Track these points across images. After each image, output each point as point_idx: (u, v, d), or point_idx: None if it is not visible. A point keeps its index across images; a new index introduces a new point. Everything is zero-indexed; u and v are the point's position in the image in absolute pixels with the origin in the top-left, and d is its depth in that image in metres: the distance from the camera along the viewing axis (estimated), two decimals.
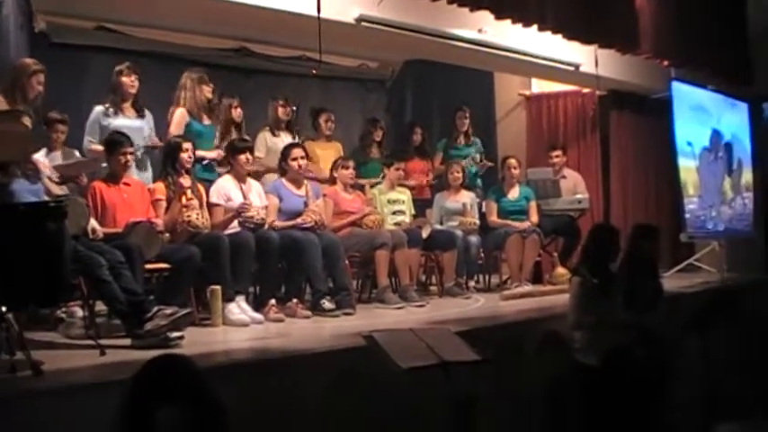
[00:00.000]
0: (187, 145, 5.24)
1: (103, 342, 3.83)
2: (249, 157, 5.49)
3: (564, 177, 7.62)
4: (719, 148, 8.93)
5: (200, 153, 5.54)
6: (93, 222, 4.52)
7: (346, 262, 5.65)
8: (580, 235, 6.97)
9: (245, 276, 5.07)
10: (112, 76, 5.41)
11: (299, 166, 5.68)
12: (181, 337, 3.98)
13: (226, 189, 5.38)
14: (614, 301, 4.48)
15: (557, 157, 7.68)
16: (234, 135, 5.99)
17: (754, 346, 6.57)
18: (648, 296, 4.80)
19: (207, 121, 5.82)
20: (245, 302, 5.03)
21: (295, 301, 5.27)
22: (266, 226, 5.35)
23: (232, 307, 4.87)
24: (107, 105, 5.36)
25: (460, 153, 7.54)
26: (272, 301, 5.15)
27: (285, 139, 6.27)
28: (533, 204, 7.11)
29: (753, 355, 6.60)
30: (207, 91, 5.76)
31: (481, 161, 7.55)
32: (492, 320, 5.19)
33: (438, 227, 6.75)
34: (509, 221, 6.89)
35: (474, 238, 6.67)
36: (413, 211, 6.70)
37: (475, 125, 7.79)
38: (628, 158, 9.08)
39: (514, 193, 7.12)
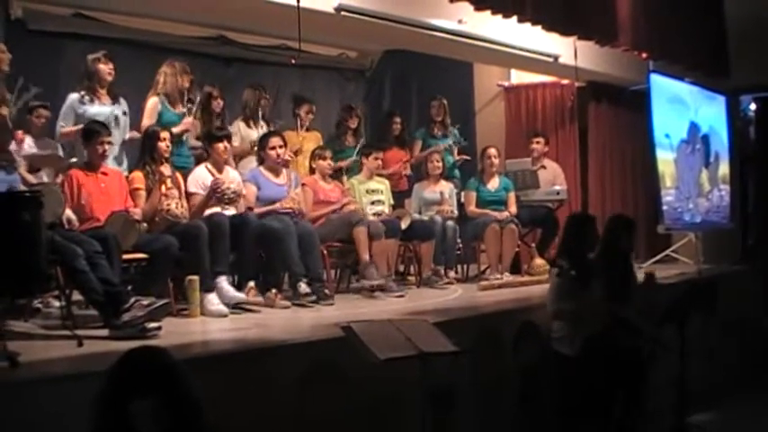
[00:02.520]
0: (165, 134, 5.21)
1: (80, 333, 3.80)
2: (227, 145, 5.48)
3: (543, 168, 7.67)
4: (697, 140, 8.96)
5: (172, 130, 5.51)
6: (68, 212, 4.49)
7: (324, 252, 5.65)
8: (558, 226, 6.93)
9: (224, 256, 5.01)
10: (88, 64, 5.34)
11: (278, 155, 5.69)
12: (158, 328, 3.97)
13: (203, 178, 5.34)
14: (592, 291, 4.47)
15: (537, 143, 7.71)
16: (214, 125, 5.99)
17: (728, 336, 6.68)
18: (625, 287, 4.84)
19: (180, 109, 5.75)
20: (227, 283, 4.98)
21: (274, 291, 5.25)
22: (242, 204, 5.38)
23: (211, 297, 4.84)
24: (83, 93, 5.31)
25: (438, 143, 7.52)
26: (251, 283, 5.15)
27: (261, 129, 6.26)
28: (512, 195, 7.13)
29: (727, 344, 6.70)
30: (186, 80, 5.74)
31: (458, 153, 7.60)
32: (470, 311, 5.19)
33: (416, 216, 6.75)
34: (487, 211, 6.88)
35: (452, 224, 6.66)
36: (392, 201, 6.70)
37: (453, 115, 7.79)
38: (606, 150, 9.10)
39: (494, 184, 7.12)
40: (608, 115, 9.15)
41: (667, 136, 8.41)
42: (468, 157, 7.71)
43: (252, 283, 5.17)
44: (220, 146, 5.40)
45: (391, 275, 6.17)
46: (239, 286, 5.17)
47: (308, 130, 6.86)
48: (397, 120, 7.48)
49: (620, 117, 9.17)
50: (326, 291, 5.41)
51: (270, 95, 6.61)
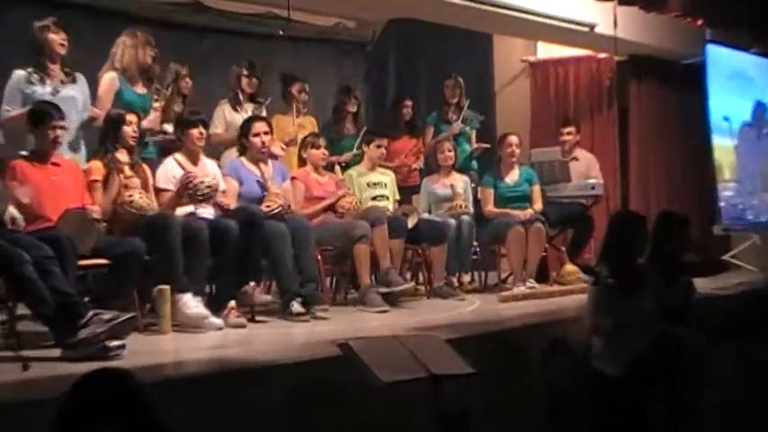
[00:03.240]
0: (131, 117, 5.20)
1: (27, 354, 3.76)
2: (202, 131, 5.45)
3: (575, 159, 7.64)
4: (764, 123, 8.97)
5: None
6: (11, 210, 4.37)
7: (318, 257, 5.73)
8: (592, 226, 7.16)
9: (199, 273, 5.03)
10: (35, 33, 5.23)
11: (263, 144, 5.72)
12: (122, 347, 3.95)
13: (175, 171, 5.32)
14: (638, 302, 4.45)
15: (569, 134, 7.68)
16: (180, 108, 6.07)
17: None
18: (678, 298, 4.86)
19: (141, 90, 5.79)
20: (202, 306, 4.99)
21: (252, 284, 5.28)
22: (219, 196, 5.39)
23: (186, 299, 4.84)
24: (30, 70, 5.19)
25: (450, 128, 7.55)
26: (232, 303, 5.13)
27: (249, 113, 6.32)
28: (536, 189, 7.14)
29: None
30: (150, 54, 5.75)
31: (476, 141, 7.68)
32: (489, 326, 5.21)
33: (426, 216, 6.81)
34: (508, 210, 6.92)
35: (467, 223, 6.68)
36: (397, 196, 6.78)
37: (469, 97, 7.79)
38: (650, 136, 9.10)
39: (513, 177, 7.14)
40: (653, 95, 9.15)
41: (726, 119, 8.48)
42: (487, 145, 7.70)
43: (232, 303, 5.13)
44: (194, 133, 5.38)
45: (395, 268, 6.13)
46: (218, 303, 5.11)
47: (301, 114, 6.91)
48: (408, 103, 7.57)
49: (669, 97, 9.19)
50: (320, 295, 5.54)
51: (258, 75, 6.68)
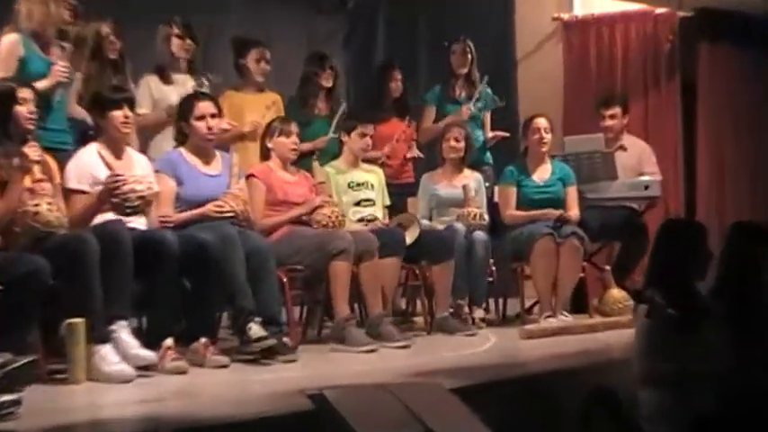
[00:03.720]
0: (26, 93, 5.07)
1: None
2: (128, 113, 5.38)
3: (623, 149, 7.70)
4: None
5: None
6: None
7: (284, 280, 5.78)
8: (647, 238, 6.99)
9: (123, 290, 4.97)
10: None
11: (209, 129, 5.68)
12: (16, 403, 3.85)
13: (92, 167, 5.27)
14: (705, 341, 4.37)
15: (612, 117, 7.72)
16: (108, 81, 6.04)
17: None
18: (762, 334, 4.81)
19: (54, 56, 5.73)
20: (128, 334, 4.97)
21: (203, 340, 5.23)
22: (152, 209, 5.41)
23: (105, 352, 4.79)
24: None
25: (458, 108, 7.63)
26: (169, 341, 5.08)
27: (185, 87, 6.40)
28: (572, 190, 7.18)
29: None
30: (65, 10, 5.76)
31: (492, 126, 7.84)
32: (508, 370, 5.25)
33: (426, 224, 6.85)
34: (535, 213, 6.94)
35: (482, 236, 6.77)
36: (387, 201, 6.87)
37: (484, 68, 7.86)
38: (726, 119, 9.13)
39: (544, 173, 7.20)
40: (730, 63, 9.16)
41: None
42: (506, 134, 7.83)
43: (170, 341, 5.10)
44: (118, 116, 5.31)
45: (388, 315, 6.32)
46: (151, 341, 5.11)
47: (260, 89, 7.02)
48: (397, 75, 7.62)
49: (751, 66, 9.18)
50: (287, 340, 5.46)
51: (199, 37, 6.74)
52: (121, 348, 4.92)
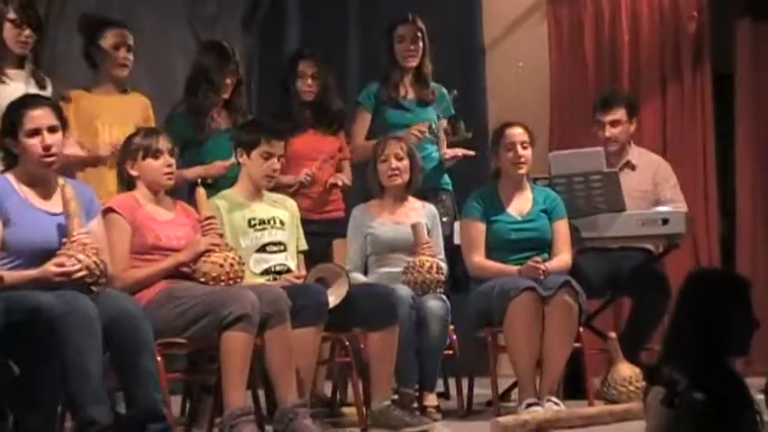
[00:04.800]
0: None
1: None
2: None
3: (630, 167, 7.59)
4: None
5: None
6: None
7: (159, 358, 5.49)
8: (668, 293, 7.00)
9: None
10: None
11: (46, 149, 5.42)
12: None
13: None
14: None
15: (614, 124, 7.57)
16: None
17: None
18: None
19: None
20: None
21: None
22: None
23: None
24: None
25: (406, 117, 7.50)
26: None
27: (15, 87, 6.24)
28: (561, 225, 7.03)
29: None
30: None
31: (454, 132, 7.59)
32: None
33: (359, 278, 6.71)
34: (509, 267, 6.82)
35: (436, 303, 6.62)
36: (304, 245, 6.63)
37: (443, 59, 7.86)
38: None
39: (523, 203, 7.03)
40: None
41: None
42: (470, 152, 7.63)
43: None
44: None
45: (306, 406, 6.01)
46: None
47: (121, 89, 6.84)
48: (309, 69, 7.42)
49: None
50: None
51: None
52: None
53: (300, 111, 7.37)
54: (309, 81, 7.38)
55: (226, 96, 7.10)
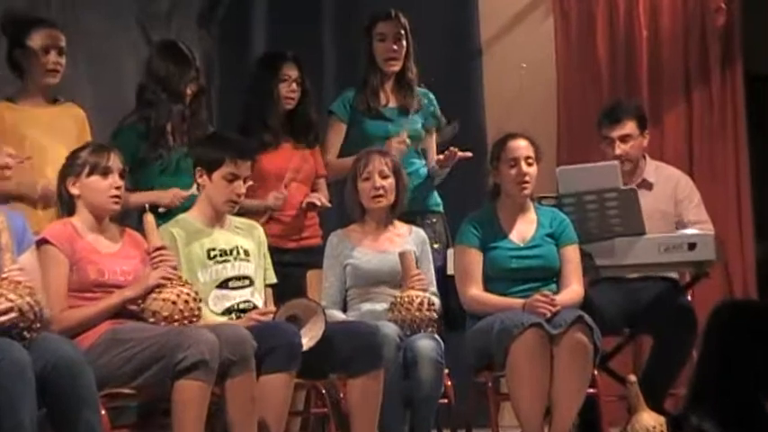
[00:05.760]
0: None
1: None
2: None
3: (646, 186, 7.56)
4: None
5: None
6: None
7: (102, 411, 5.47)
8: (695, 329, 7.00)
9: None
10: None
11: None
12: None
13: None
14: None
15: (624, 140, 7.55)
16: None
17: None
18: None
19: None
20: None
21: None
22: None
23: None
24: None
25: (386, 127, 7.46)
26: None
27: None
28: (571, 252, 7.00)
29: None
30: None
31: (436, 130, 7.61)
32: None
33: (338, 316, 6.71)
34: (512, 300, 6.80)
35: (428, 344, 6.57)
36: (272, 278, 6.62)
37: (431, 62, 7.82)
38: None
39: (526, 227, 7.00)
40: None
41: None
42: (467, 153, 7.57)
43: None
44: None
45: None
46: None
47: (48, 98, 6.79)
48: (290, 71, 7.40)
49: None
50: None
51: None
52: None
53: (275, 122, 7.33)
54: (294, 86, 7.34)
55: (184, 107, 7.02)
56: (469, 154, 7.50)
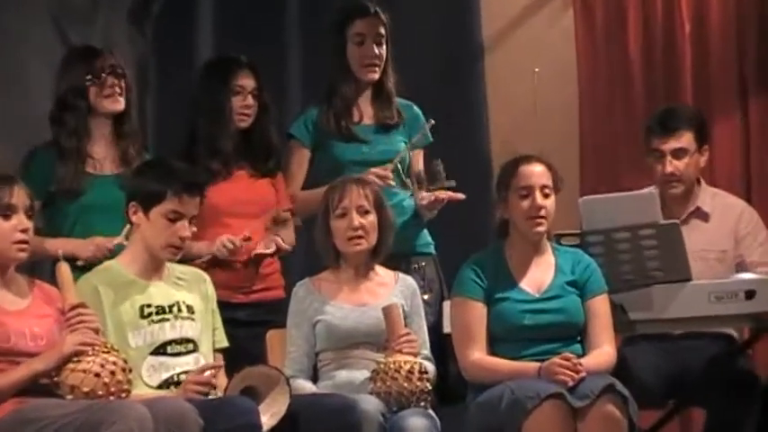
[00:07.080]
0: None
1: None
2: None
3: (701, 216, 7.41)
4: None
5: None
6: None
7: None
8: (757, 397, 6.86)
9: None
10: None
11: None
12: None
13: None
14: None
15: (677, 154, 7.36)
16: None
17: None
18: None
19: None
20: None
21: None
22: None
23: None
24: None
25: (361, 150, 7.39)
26: None
27: None
28: (600, 303, 6.82)
29: None
30: None
31: (431, 180, 7.28)
32: None
33: (306, 387, 6.57)
34: (529, 368, 6.61)
35: (420, 422, 6.38)
36: (224, 342, 6.49)
37: (418, 71, 7.84)
38: None
39: (541, 273, 6.80)
40: None
41: None
42: (459, 195, 7.36)
43: None
44: None
45: None
46: None
47: None
48: (245, 81, 7.31)
49: None
50: None
51: None
52: None
53: (227, 145, 7.28)
54: (250, 99, 7.26)
55: (114, 110, 7.04)
56: (461, 196, 7.35)
